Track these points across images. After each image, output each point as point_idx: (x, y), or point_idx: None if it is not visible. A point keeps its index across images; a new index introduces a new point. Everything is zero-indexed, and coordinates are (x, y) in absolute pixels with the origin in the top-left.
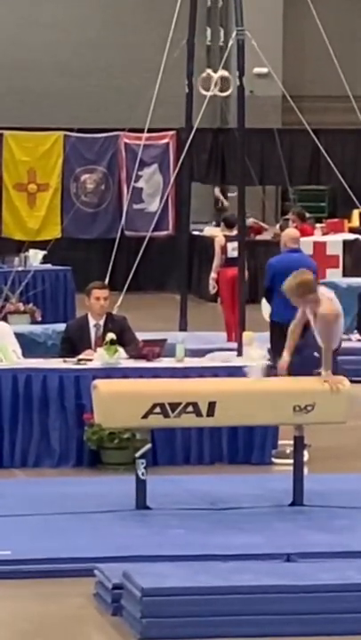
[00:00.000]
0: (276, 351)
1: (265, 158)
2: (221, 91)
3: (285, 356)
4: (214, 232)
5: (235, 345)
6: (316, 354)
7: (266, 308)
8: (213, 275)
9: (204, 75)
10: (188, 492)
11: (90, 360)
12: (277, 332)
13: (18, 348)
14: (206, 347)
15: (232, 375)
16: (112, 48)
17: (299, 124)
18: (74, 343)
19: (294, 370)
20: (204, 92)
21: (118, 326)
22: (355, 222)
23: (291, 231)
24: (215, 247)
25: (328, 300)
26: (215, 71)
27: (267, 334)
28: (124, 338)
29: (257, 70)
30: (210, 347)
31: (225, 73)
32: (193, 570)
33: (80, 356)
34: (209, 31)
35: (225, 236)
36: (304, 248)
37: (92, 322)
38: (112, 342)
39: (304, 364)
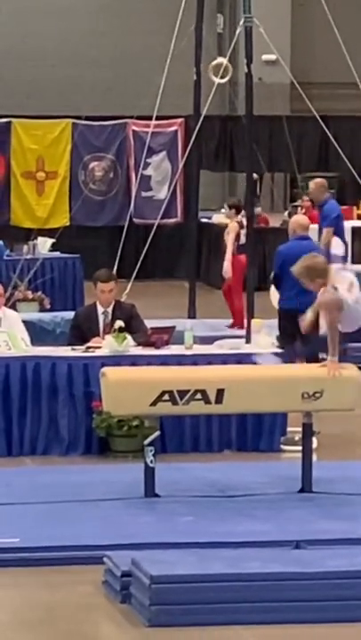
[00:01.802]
0: (285, 338)
1: (273, 145)
2: (222, 77)
3: (309, 314)
4: (225, 219)
5: (243, 332)
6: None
7: (275, 295)
8: (228, 261)
9: (215, 62)
10: (196, 479)
11: (98, 348)
12: (287, 318)
13: (26, 336)
14: (215, 334)
15: (241, 362)
16: (120, 36)
17: (307, 111)
18: (82, 330)
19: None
20: (215, 80)
21: (126, 314)
22: None
23: (300, 218)
24: (230, 234)
25: (331, 289)
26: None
27: (275, 321)
28: (132, 325)
29: (265, 57)
30: (218, 334)
31: (223, 60)
32: (201, 557)
33: (89, 344)
34: (221, 18)
35: (238, 223)
36: (313, 235)
37: (100, 309)
38: (120, 330)
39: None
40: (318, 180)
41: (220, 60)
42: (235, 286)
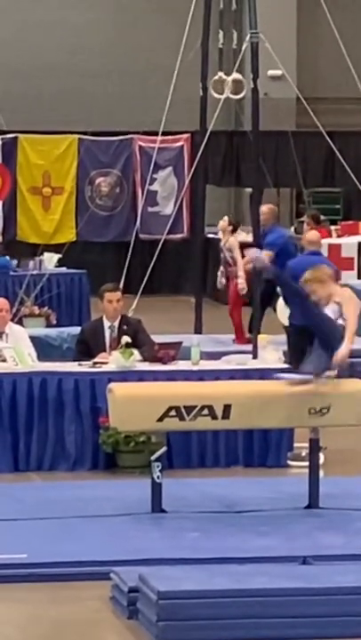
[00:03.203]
0: (296, 354)
1: (279, 161)
2: (234, 93)
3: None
4: (219, 233)
5: (249, 347)
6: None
7: (282, 311)
8: (243, 278)
9: (216, 77)
10: (203, 494)
11: (105, 363)
12: (297, 334)
13: (33, 352)
14: (222, 349)
15: (247, 378)
16: (127, 51)
17: (313, 126)
18: (89, 345)
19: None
20: (216, 95)
21: (133, 329)
22: None
23: (310, 234)
24: (235, 250)
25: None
26: (228, 74)
27: (281, 337)
28: (138, 340)
29: (271, 73)
30: (225, 349)
31: (238, 76)
32: (209, 573)
33: (95, 360)
34: (221, 34)
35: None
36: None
37: (106, 324)
38: (127, 345)
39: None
40: (270, 205)
41: (220, 74)
42: (235, 301)
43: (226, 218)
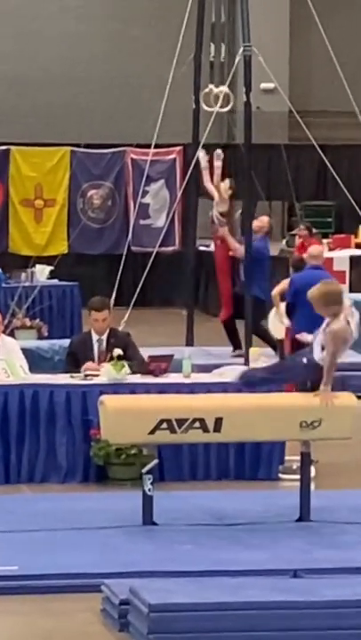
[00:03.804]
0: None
1: (272, 174)
2: (223, 106)
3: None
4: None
5: (241, 360)
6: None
7: (274, 324)
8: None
9: (206, 90)
10: (194, 507)
11: (96, 375)
12: (299, 348)
13: (25, 364)
14: (213, 362)
15: (239, 391)
16: (119, 63)
17: (305, 139)
18: (77, 358)
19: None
20: (206, 108)
21: (122, 342)
22: None
23: (311, 248)
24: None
25: (344, 321)
26: (219, 87)
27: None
28: (127, 354)
29: (264, 86)
30: (217, 362)
31: (225, 89)
32: (200, 586)
33: (85, 368)
34: (213, 47)
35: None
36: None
37: (95, 337)
38: (119, 358)
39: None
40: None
41: (210, 87)
42: (221, 267)
43: (227, 181)
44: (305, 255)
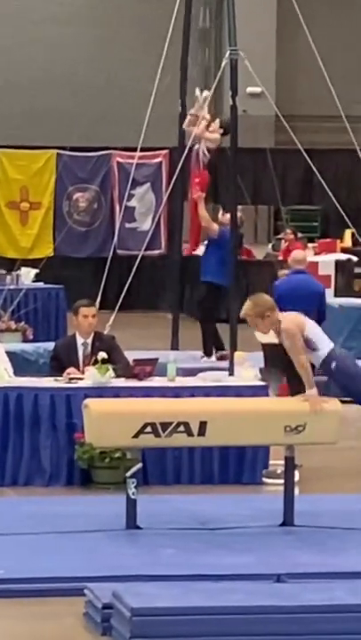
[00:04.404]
0: (270, 371)
1: (257, 178)
2: (208, 111)
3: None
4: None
5: (226, 364)
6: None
7: None
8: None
9: (196, 94)
10: (178, 511)
11: (80, 379)
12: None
13: (9, 367)
14: (198, 366)
15: (223, 395)
16: (106, 67)
17: (291, 143)
18: (62, 362)
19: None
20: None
21: (106, 345)
22: (347, 242)
23: (295, 252)
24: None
25: (289, 316)
26: (202, 91)
27: (258, 354)
28: (112, 357)
29: (250, 90)
30: (201, 366)
31: (208, 93)
32: (183, 590)
33: (67, 372)
34: (200, 51)
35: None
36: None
37: (79, 340)
38: (103, 361)
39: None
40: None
41: (197, 92)
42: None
43: (218, 120)
44: (288, 260)
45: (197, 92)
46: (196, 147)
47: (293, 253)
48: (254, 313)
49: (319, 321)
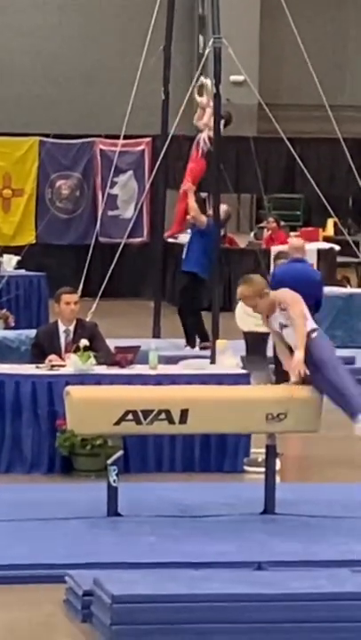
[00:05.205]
0: (252, 359)
1: (240, 166)
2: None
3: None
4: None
5: (208, 352)
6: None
7: (241, 316)
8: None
9: (201, 82)
10: (159, 499)
11: (62, 366)
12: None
13: None
14: (179, 354)
15: (205, 383)
16: (90, 55)
17: (274, 132)
18: (43, 349)
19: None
20: (198, 99)
21: (89, 333)
22: (329, 231)
23: (293, 240)
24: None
25: (282, 290)
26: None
27: (240, 342)
28: (93, 344)
29: (233, 78)
30: (183, 354)
31: (206, 80)
32: (163, 577)
33: (49, 360)
34: (194, 39)
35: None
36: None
37: (61, 327)
38: (85, 349)
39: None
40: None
41: (202, 80)
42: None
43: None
44: (286, 247)
45: (207, 81)
46: (199, 135)
47: (292, 240)
48: (252, 292)
49: (316, 308)
